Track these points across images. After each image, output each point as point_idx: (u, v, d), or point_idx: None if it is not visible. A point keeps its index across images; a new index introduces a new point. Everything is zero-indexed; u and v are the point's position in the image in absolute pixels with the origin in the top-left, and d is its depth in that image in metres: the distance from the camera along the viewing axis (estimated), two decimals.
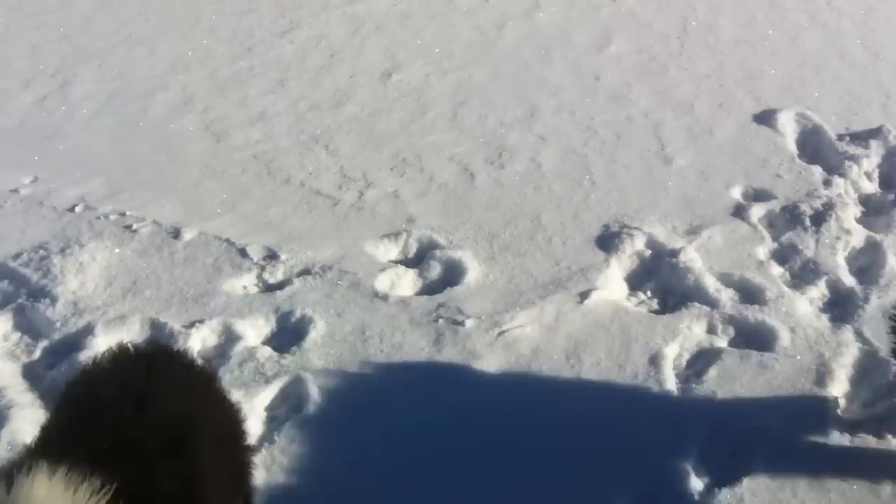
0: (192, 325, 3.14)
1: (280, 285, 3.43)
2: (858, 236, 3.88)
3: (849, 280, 3.64)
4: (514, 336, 3.23)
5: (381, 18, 5.93)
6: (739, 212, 4.02)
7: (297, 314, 3.27)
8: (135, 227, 3.68)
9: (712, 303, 3.47)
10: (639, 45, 5.62)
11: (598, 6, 6.25)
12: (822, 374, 3.14)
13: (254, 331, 3.20)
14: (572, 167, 4.34)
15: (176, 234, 3.65)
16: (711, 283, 3.56)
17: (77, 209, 3.77)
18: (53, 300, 3.20)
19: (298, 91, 4.95)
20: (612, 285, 3.57)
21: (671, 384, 3.11)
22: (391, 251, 3.72)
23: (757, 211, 4.03)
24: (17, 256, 3.46)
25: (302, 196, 4.00)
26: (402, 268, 3.58)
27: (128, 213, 3.78)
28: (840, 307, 3.51)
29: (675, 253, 3.70)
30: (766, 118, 4.77)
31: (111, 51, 5.26)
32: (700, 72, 5.28)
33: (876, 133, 4.59)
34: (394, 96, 4.93)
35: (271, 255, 3.57)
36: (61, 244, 3.53)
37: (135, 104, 4.70)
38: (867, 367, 3.22)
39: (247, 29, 5.66)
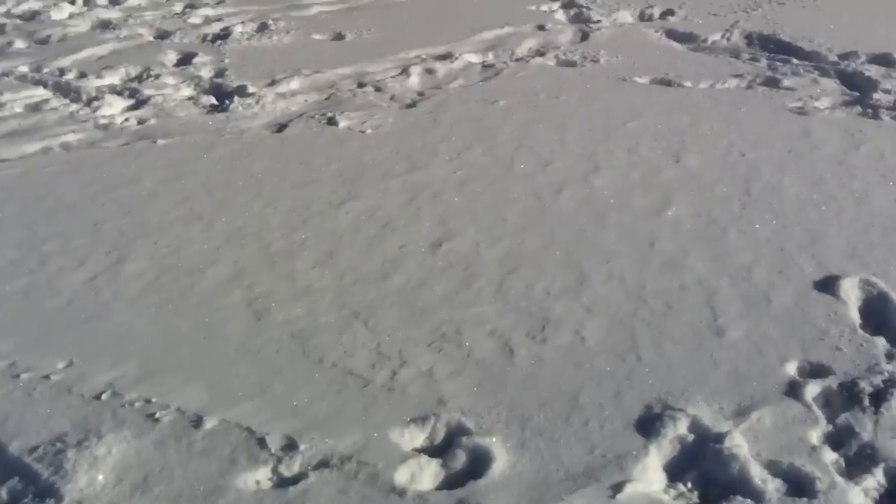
0: None
1: (295, 479, 3.31)
2: None
3: None
4: None
5: (439, 186, 5.98)
6: (793, 390, 3.75)
7: None
8: (158, 415, 3.64)
9: (757, 495, 3.20)
10: (698, 209, 5.49)
11: (659, 168, 6.19)
12: None
13: None
14: (617, 341, 4.17)
15: (198, 422, 3.59)
16: (757, 473, 3.29)
17: (104, 396, 3.76)
18: (59, 500, 3.15)
19: (346, 263, 4.96)
20: (649, 475, 3.34)
21: None
22: (417, 438, 3.58)
23: (812, 389, 3.75)
24: (33, 450, 3.44)
25: (333, 377, 3.93)
26: (425, 458, 3.43)
27: (153, 399, 3.74)
28: None
29: (720, 438, 3.45)
30: (827, 285, 4.53)
31: (170, 226, 5.41)
32: (761, 236, 5.10)
33: None
34: (441, 266, 4.90)
35: (290, 445, 3.47)
36: (80, 436, 3.50)
37: (183, 281, 4.78)
38: None
39: (306, 200, 5.78)
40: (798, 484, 3.26)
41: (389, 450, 3.46)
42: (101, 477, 3.27)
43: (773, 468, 3.34)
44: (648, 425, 3.58)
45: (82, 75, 8.44)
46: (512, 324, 4.34)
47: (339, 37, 10.06)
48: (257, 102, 7.69)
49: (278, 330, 4.30)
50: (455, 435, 3.57)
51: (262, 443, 3.47)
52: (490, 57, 9.35)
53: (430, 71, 8.81)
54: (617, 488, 3.23)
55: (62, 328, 4.32)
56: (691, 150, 6.52)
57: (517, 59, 9.25)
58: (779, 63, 8.67)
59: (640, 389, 3.81)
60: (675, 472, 3.41)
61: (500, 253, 5.04)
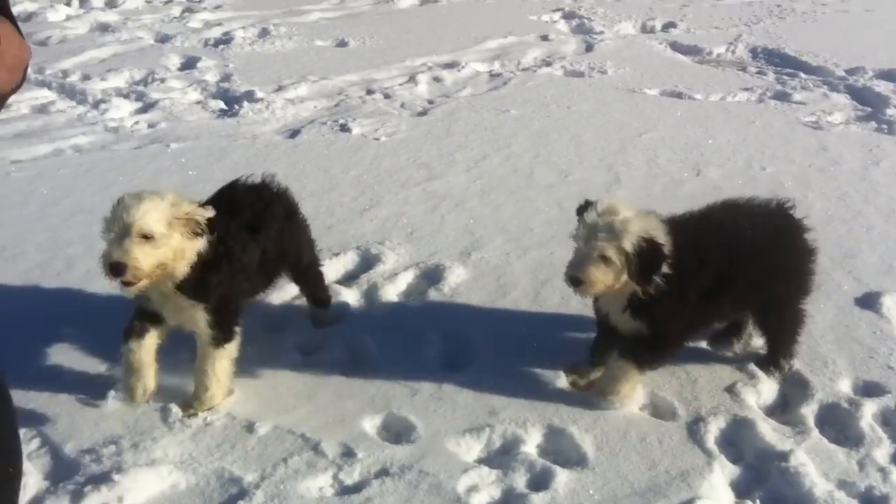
0: None
1: (357, 487, 3.23)
2: None
3: None
4: None
5: (460, 195, 5.91)
6: (853, 408, 3.70)
7: None
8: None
9: None
10: None
11: (681, 180, 6.17)
12: None
13: None
14: None
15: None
16: (826, 491, 3.23)
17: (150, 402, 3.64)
18: None
19: None
20: (717, 493, 3.26)
21: None
22: (473, 449, 3.49)
23: (869, 408, 3.71)
24: (89, 451, 3.36)
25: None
26: (485, 469, 3.33)
27: None
28: None
29: (783, 456, 3.39)
30: (868, 302, 4.50)
31: None
32: None
33: None
34: (473, 276, 4.81)
35: (348, 453, 3.37)
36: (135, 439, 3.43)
37: None
38: None
39: (328, 207, 5.67)
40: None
41: (448, 460, 3.36)
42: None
43: (845, 487, 3.26)
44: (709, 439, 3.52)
45: (86, 77, 8.29)
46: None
47: (342, 43, 9.99)
48: (267, 108, 7.59)
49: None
50: (511, 447, 3.48)
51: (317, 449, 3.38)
52: (496, 66, 9.33)
53: (437, 79, 8.77)
54: None
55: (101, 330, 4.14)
56: (711, 162, 6.51)
57: (524, 69, 9.23)
58: (787, 77, 8.72)
59: None
60: (742, 489, 3.33)
61: (532, 263, 4.96)
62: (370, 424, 3.59)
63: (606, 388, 3.64)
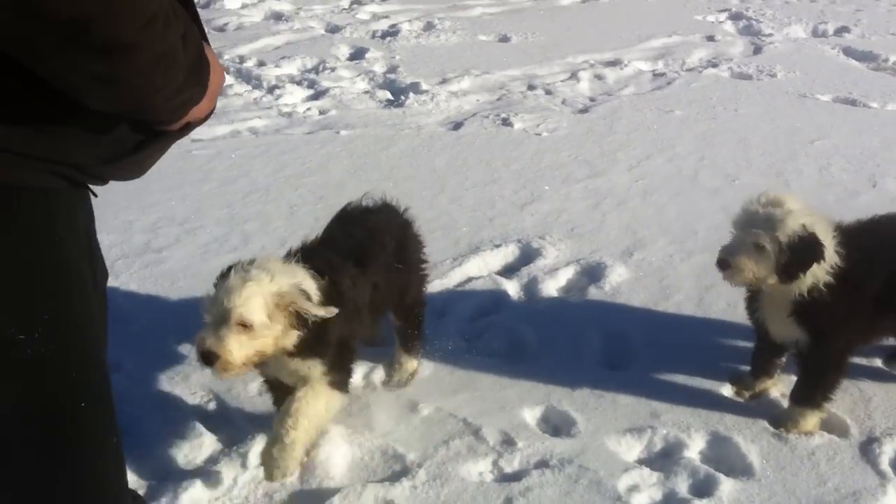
0: None
1: (516, 476, 3.27)
2: None
3: None
4: None
5: (622, 193, 5.86)
6: None
7: None
8: None
9: None
10: None
11: (856, 191, 5.94)
12: None
13: None
14: None
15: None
16: None
17: None
18: None
19: None
20: None
21: None
22: (634, 449, 3.48)
23: None
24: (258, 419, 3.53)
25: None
26: (646, 470, 3.31)
27: None
28: None
29: None
30: None
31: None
32: None
33: None
34: (635, 276, 4.76)
35: (508, 441, 3.42)
36: None
37: None
38: None
39: (489, 199, 5.74)
40: None
41: (608, 458, 3.36)
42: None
43: None
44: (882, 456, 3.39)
45: (261, 64, 8.66)
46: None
47: (504, 39, 10.03)
48: (431, 100, 7.73)
49: None
50: (674, 451, 3.44)
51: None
52: (660, 65, 9.17)
53: (599, 77, 8.70)
54: None
55: None
56: (888, 174, 6.21)
57: (688, 69, 9.03)
58: None
59: None
60: None
61: (696, 267, 4.87)
62: (530, 415, 3.64)
63: (789, 427, 3.52)
